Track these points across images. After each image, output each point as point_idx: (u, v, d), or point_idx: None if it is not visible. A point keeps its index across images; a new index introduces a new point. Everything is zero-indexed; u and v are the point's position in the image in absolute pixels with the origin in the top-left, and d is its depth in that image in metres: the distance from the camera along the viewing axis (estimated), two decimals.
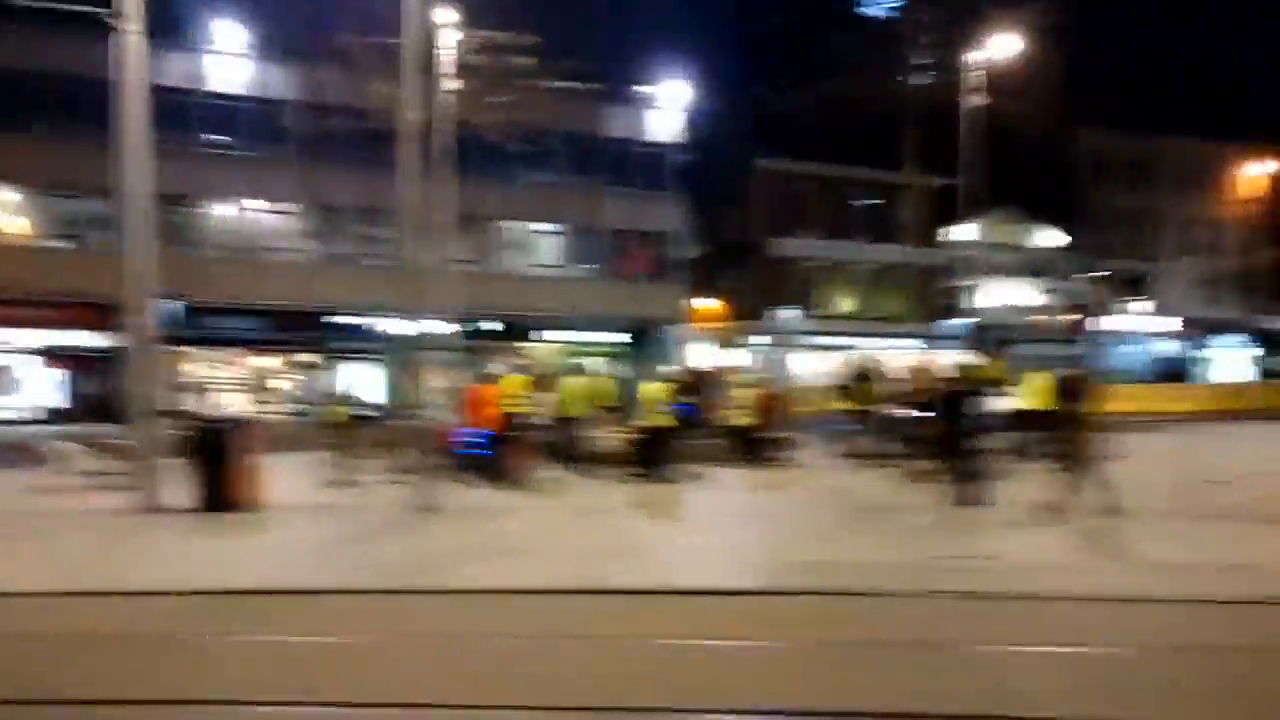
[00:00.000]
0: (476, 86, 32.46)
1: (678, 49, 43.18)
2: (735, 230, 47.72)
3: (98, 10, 15.35)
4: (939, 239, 47.27)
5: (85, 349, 33.98)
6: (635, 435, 17.37)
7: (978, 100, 31.74)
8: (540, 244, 41.31)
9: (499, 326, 39.14)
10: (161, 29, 34.92)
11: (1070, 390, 19.61)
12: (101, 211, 34.75)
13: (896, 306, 47.39)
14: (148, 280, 15.74)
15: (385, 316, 37.41)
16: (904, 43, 43.33)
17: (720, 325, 49.31)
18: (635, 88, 42.61)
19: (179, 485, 14.11)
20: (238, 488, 14.31)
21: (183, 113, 35.00)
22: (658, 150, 41.76)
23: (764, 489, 16.63)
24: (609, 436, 17.96)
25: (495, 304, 38.63)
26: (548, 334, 40.05)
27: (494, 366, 19.11)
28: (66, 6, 16.24)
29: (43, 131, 33.21)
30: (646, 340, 41.64)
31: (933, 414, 15.12)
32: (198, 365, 36.24)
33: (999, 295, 48.16)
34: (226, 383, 35.76)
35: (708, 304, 49.78)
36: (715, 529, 12.58)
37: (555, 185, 39.65)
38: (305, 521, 13.41)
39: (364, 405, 18.74)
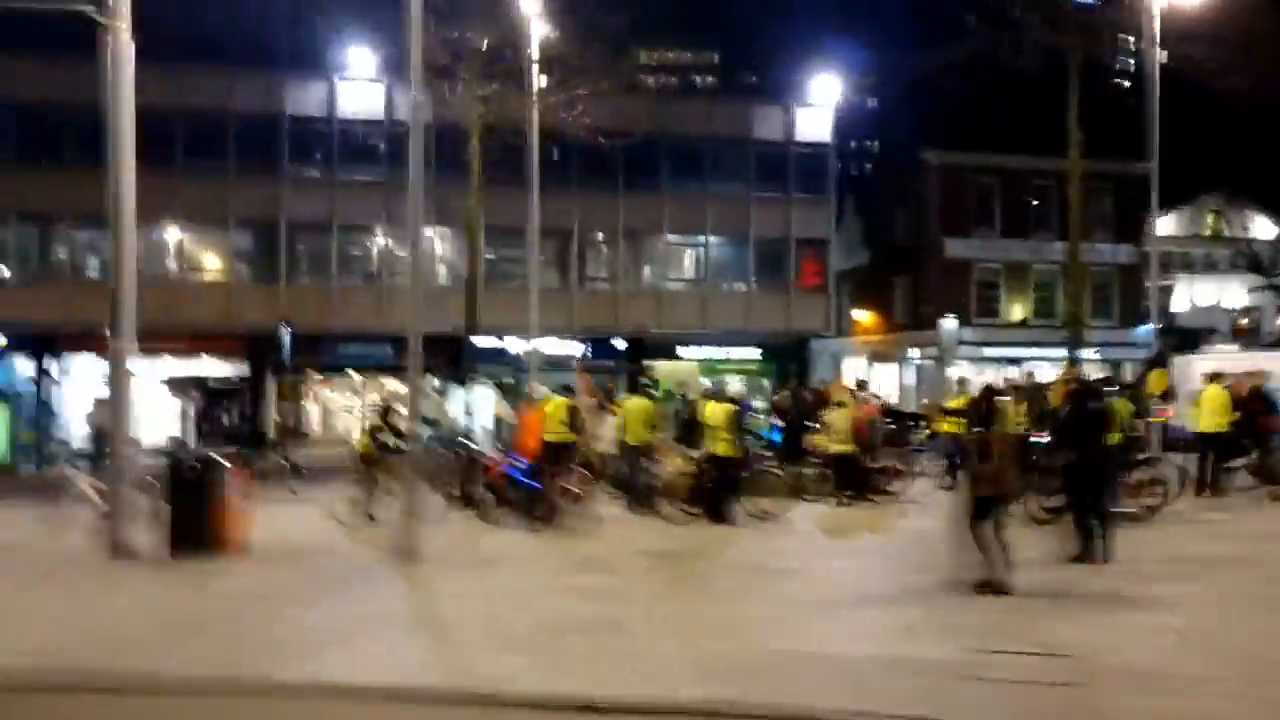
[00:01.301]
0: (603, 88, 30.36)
1: (831, 41, 40.02)
2: (902, 232, 43.78)
3: (84, 6, 13.94)
4: (1141, 233, 41.78)
5: (208, 379, 33.83)
6: (695, 467, 14.65)
7: (1163, 59, 26.48)
8: (681, 256, 38.78)
9: (623, 345, 36.71)
10: (292, 60, 35.09)
11: (1252, 406, 15.76)
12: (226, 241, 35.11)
13: (1081, 312, 42.12)
14: (131, 302, 14.12)
15: (517, 337, 35.99)
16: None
17: (877, 338, 45.46)
18: (787, 85, 39.72)
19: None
20: (216, 529, 12.48)
21: (313, 140, 34.72)
22: (812, 150, 38.41)
23: (837, 533, 13.52)
24: (672, 468, 15.25)
25: (629, 321, 36.40)
26: (683, 350, 37.40)
27: (538, 389, 16.62)
28: (55, 5, 14.85)
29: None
30: (793, 356, 38.38)
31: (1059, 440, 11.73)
32: (328, 392, 35.76)
33: (1202, 295, 42.29)
34: (350, 409, 35.00)
35: (867, 315, 46.06)
36: (716, 602, 9.65)
37: (699, 193, 36.98)
38: (258, 572, 11.34)
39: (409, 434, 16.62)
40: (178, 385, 34.35)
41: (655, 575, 10.77)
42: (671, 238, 37.68)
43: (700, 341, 37.56)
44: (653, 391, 19.95)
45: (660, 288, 37.44)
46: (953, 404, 17.59)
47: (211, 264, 35.31)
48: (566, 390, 15.33)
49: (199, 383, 34.27)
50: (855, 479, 16.03)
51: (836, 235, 50.03)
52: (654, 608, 8.98)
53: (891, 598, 9.11)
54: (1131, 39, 30.25)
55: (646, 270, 38.25)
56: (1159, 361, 19.57)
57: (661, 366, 37.41)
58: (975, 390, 16.88)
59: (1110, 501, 12.54)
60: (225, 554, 12.12)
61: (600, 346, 36.50)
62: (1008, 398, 15.99)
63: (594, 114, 35.92)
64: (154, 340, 32.69)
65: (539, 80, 23.54)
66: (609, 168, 36.26)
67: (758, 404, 25.54)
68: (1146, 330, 30.09)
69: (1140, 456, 14.09)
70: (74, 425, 30.98)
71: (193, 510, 12.48)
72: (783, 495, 14.96)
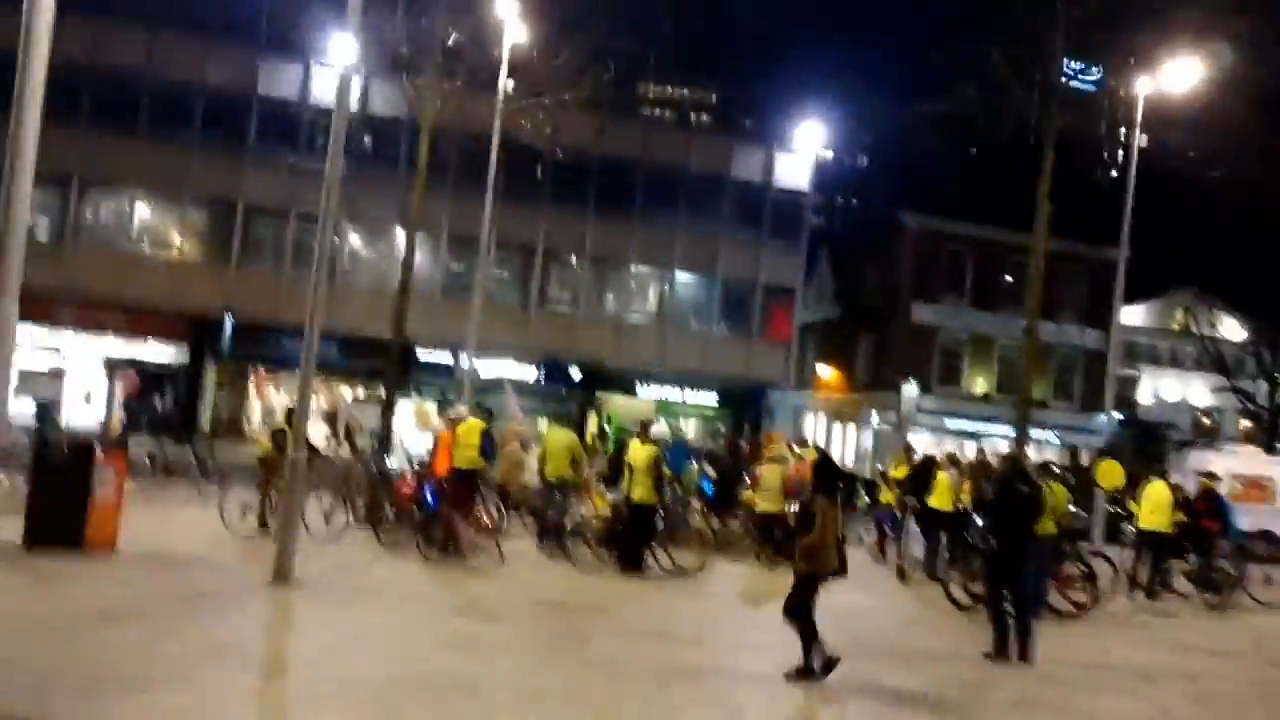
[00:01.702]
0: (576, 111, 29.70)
1: (821, 90, 39.66)
2: (872, 291, 43.29)
3: None
4: (1110, 321, 41.49)
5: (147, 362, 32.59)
6: (610, 510, 13.80)
7: (1144, 143, 26.17)
8: (645, 287, 38.04)
9: (578, 375, 35.86)
10: (270, 40, 34.18)
11: (1199, 507, 15.11)
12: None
13: (1042, 392, 41.73)
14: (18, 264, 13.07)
15: (468, 354, 35.03)
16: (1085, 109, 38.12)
17: (835, 396, 44.87)
18: (771, 128, 39.27)
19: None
20: (79, 523, 11.46)
21: (283, 124, 33.80)
22: (789, 197, 37.82)
23: (747, 598, 12.67)
24: (590, 508, 14.37)
25: (586, 349, 35.57)
26: (641, 388, 36.60)
27: (458, 408, 15.70)
28: None
29: None
30: (750, 404, 37.63)
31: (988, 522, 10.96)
32: (271, 388, 34.65)
33: (1167, 389, 42.06)
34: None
35: (830, 370, 45.49)
36: (591, 668, 8.76)
37: (670, 225, 36.29)
38: (116, 579, 10.32)
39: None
40: (113, 366, 33.18)
41: (537, 629, 9.85)
42: (637, 268, 36.94)
43: (658, 380, 36.76)
44: (605, 426, 19.27)
45: (621, 318, 36.64)
46: (895, 472, 16.84)
47: (163, 240, 34.16)
48: (483, 412, 14.41)
49: (134, 365, 33.06)
50: (780, 540, 15.20)
51: (806, 286, 49.69)
52: (521, 671, 8.07)
53: (780, 684, 8.25)
54: (1120, 130, 30.02)
55: (608, 298, 37.47)
56: (1111, 452, 18.92)
57: (618, 402, 36.68)
58: (925, 460, 16.21)
59: (1033, 594, 11.83)
60: (87, 552, 11.14)
61: (554, 372, 35.68)
62: (949, 472, 15.35)
63: (570, 132, 35.39)
64: (94, 310, 31.94)
65: (506, 84, 22.68)
66: (581, 189, 35.64)
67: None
68: (1107, 419, 29.61)
69: (1072, 549, 13.34)
70: None
71: (55, 499, 11.46)
72: (703, 550, 14.10)
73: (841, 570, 8.60)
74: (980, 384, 40.33)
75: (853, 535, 18.18)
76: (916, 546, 15.35)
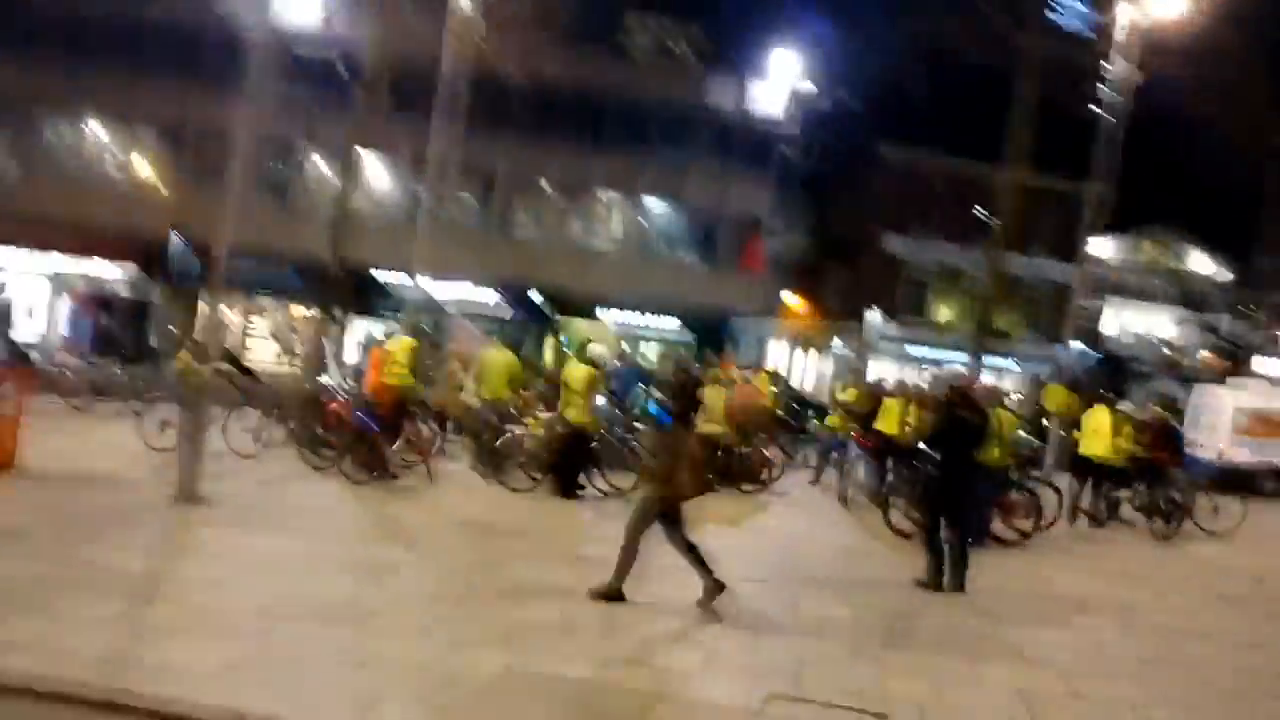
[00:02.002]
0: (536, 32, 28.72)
1: (799, 18, 38.52)
2: (845, 222, 42.69)
3: None
4: (1080, 254, 41.13)
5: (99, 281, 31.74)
6: (546, 432, 13.34)
7: (1124, 73, 25.39)
8: (610, 215, 37.29)
9: (539, 299, 35.28)
10: None
11: (1148, 439, 14.80)
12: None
13: (1009, 324, 41.46)
14: None
15: (426, 278, 34.30)
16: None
17: (803, 324, 44.49)
18: (744, 56, 38.17)
19: None
20: None
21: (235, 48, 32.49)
22: (760, 127, 36.90)
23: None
24: (526, 430, 13.88)
25: (550, 276, 34.90)
26: (602, 312, 36.03)
27: (390, 326, 15.07)
28: None
29: None
30: (715, 332, 37.14)
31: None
32: (225, 312, 33.77)
33: (1135, 324, 41.81)
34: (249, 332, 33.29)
35: (798, 300, 45.03)
36: (496, 600, 8.35)
37: (637, 153, 35.41)
38: (8, 500, 9.80)
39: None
40: (60, 284, 32.37)
41: (454, 555, 9.41)
42: (603, 195, 36.13)
43: (620, 305, 36.19)
44: (564, 350, 18.76)
45: (586, 245, 35.90)
46: (841, 395, 16.40)
47: (114, 162, 33.11)
48: (419, 332, 13.83)
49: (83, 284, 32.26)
50: (722, 465, 14.81)
51: (778, 216, 49.02)
52: (420, 599, 7.63)
53: (699, 614, 7.84)
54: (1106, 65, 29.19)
55: (574, 225, 36.73)
56: (1062, 379, 18.51)
57: (580, 326, 36.14)
58: (873, 385, 15.79)
59: (975, 523, 11.50)
60: None
61: (516, 298, 35.06)
62: (895, 397, 14.95)
63: (538, 59, 34.32)
64: (42, 229, 30.96)
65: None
66: (547, 115, 34.67)
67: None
68: (1072, 349, 29.31)
69: (1018, 477, 13.00)
70: None
71: None
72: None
73: (702, 492, 8.08)
74: (944, 313, 39.99)
75: (800, 460, 17.99)
76: (861, 472, 14.99)
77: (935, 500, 9.60)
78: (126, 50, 31.02)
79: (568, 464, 12.97)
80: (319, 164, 34.67)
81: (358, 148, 32.29)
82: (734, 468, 14.93)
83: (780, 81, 36.78)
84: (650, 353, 35.15)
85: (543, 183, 35.23)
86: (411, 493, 12.18)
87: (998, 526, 12.51)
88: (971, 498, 10.09)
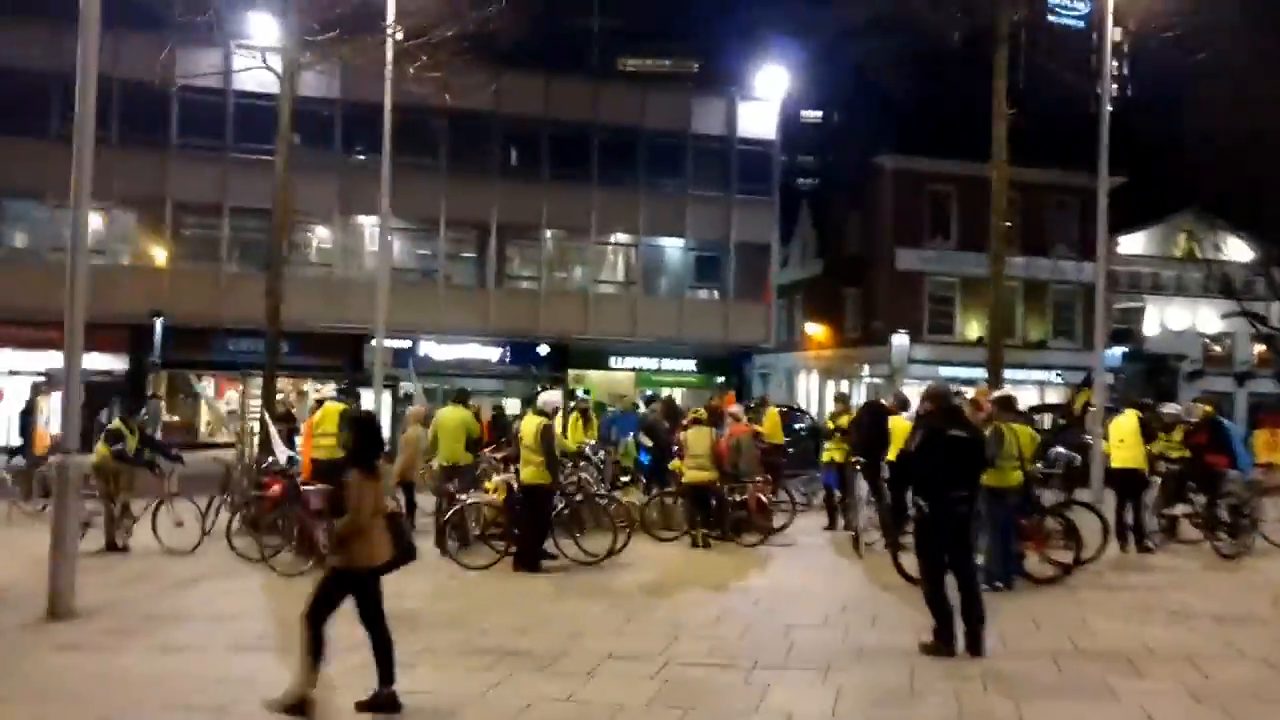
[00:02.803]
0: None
1: (780, 31, 37.20)
2: (854, 241, 41.00)
3: None
4: (1112, 251, 39.05)
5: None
6: (504, 495, 11.70)
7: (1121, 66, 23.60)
8: (610, 256, 35.88)
9: (545, 351, 33.77)
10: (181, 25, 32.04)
11: (1199, 440, 12.91)
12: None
13: (1041, 331, 39.37)
14: None
15: (427, 338, 33.00)
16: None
17: (829, 353, 42.70)
18: (729, 77, 36.92)
19: None
20: None
21: (206, 115, 31.53)
22: (756, 148, 35.47)
23: (661, 587, 10.46)
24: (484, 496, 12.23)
25: (552, 325, 33.45)
26: (614, 360, 34.47)
27: (325, 393, 13.46)
28: None
29: None
30: (731, 369, 35.49)
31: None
32: (209, 392, 32.60)
33: (1177, 320, 39.59)
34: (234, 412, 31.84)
35: (819, 328, 43.30)
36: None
37: (631, 189, 34.02)
38: None
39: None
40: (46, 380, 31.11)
41: (341, 661, 7.74)
42: (600, 236, 34.69)
43: (631, 351, 34.63)
44: (584, 400, 17.27)
45: (587, 290, 34.43)
46: (835, 423, 14.55)
47: (91, 245, 32.09)
48: (345, 394, 12.25)
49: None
50: (713, 513, 13.07)
51: (789, 244, 47.43)
52: None
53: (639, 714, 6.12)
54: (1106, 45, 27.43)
55: (571, 271, 35.35)
56: (1090, 383, 16.55)
57: (593, 377, 34.61)
58: (870, 404, 13.96)
59: (999, 560, 9.71)
60: None
61: (520, 351, 33.61)
62: (901, 415, 13.13)
63: (515, 97, 33.16)
64: (25, 328, 29.98)
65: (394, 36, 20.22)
66: (533, 156, 33.49)
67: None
68: (1114, 354, 27.29)
69: (1052, 501, 11.16)
70: None
71: None
72: (620, 530, 11.98)
73: (403, 559, 6.46)
74: (974, 328, 37.99)
75: (811, 496, 16.17)
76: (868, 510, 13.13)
77: (928, 541, 7.80)
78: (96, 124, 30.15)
79: (528, 531, 11.30)
80: (313, 230, 33.52)
81: (339, 213, 31.58)
82: (726, 517, 13.19)
83: (771, 100, 35.37)
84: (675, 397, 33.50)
85: (532, 232, 33.80)
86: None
87: (1032, 563, 10.67)
88: (977, 532, 8.31)
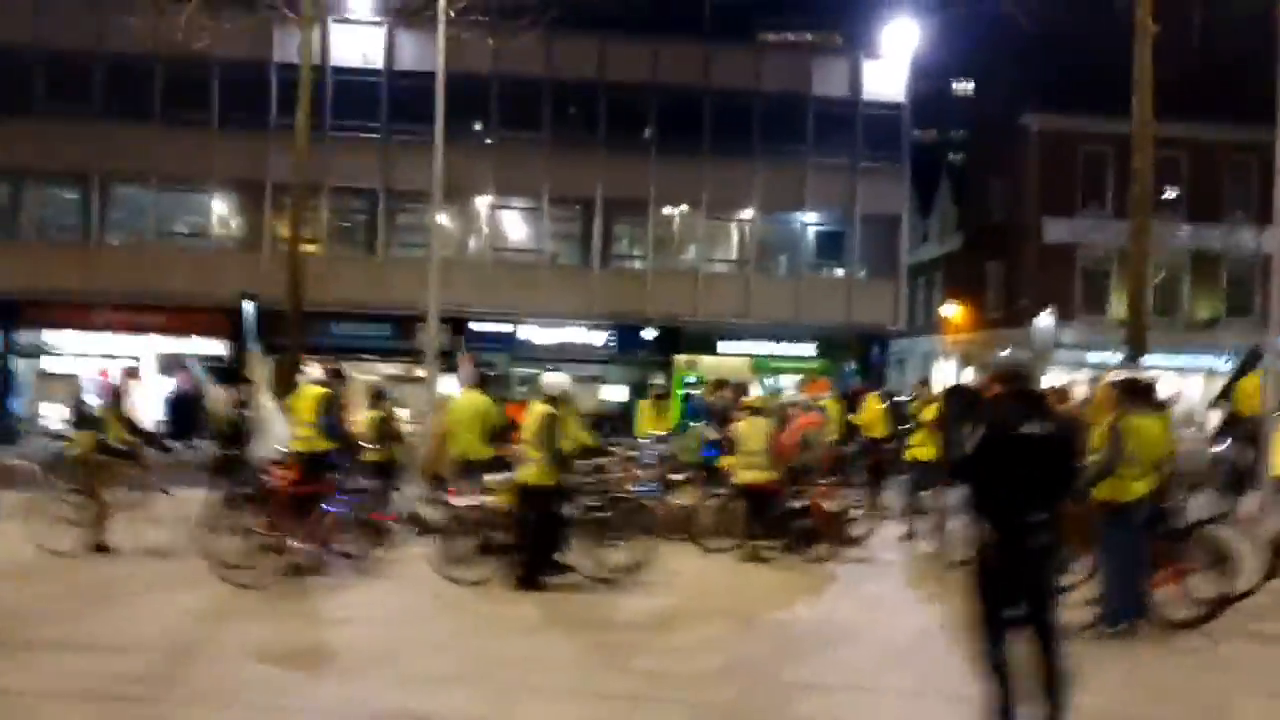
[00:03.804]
0: None
1: None
2: (997, 212, 37.54)
3: None
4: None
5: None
6: (506, 500, 9.84)
7: None
8: (722, 233, 33.62)
9: (652, 335, 31.83)
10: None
11: None
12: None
13: (1211, 309, 35.13)
14: None
15: (528, 323, 31.54)
16: None
17: (968, 336, 39.32)
18: (852, 34, 34.11)
19: None
20: None
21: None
22: (883, 111, 32.57)
23: (688, 615, 8.37)
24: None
25: (660, 307, 31.46)
26: (724, 345, 32.25)
27: (307, 370, 11.67)
28: None
29: None
30: (856, 353, 32.79)
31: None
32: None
33: None
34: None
35: (958, 309, 39.96)
36: None
37: (745, 159, 31.66)
38: None
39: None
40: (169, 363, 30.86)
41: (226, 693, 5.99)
42: (712, 211, 32.42)
43: (744, 334, 32.33)
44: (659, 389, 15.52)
45: (697, 269, 32.27)
46: (922, 414, 12.02)
47: (191, 228, 31.82)
48: (335, 376, 10.52)
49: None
50: (771, 521, 10.87)
51: (928, 218, 44.09)
52: None
53: None
54: None
55: (681, 249, 33.26)
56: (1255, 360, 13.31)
57: (705, 362, 32.57)
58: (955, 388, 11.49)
59: (1116, 597, 7.30)
60: None
61: (626, 336, 31.78)
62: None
63: (623, 62, 31.31)
64: (129, 313, 29.92)
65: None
66: (640, 127, 31.51)
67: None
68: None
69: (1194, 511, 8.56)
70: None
71: None
72: (669, 537, 10.00)
73: None
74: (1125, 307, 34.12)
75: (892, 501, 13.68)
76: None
77: (988, 582, 5.43)
78: (190, 108, 29.74)
79: (528, 541, 9.40)
80: (409, 210, 32.46)
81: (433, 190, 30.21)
82: (788, 527, 10.97)
83: (900, 58, 32.37)
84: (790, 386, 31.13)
85: (650, 204, 31.78)
86: (318, 596, 8.88)
87: (1169, 593, 8.12)
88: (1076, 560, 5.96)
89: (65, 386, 28.93)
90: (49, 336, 30.40)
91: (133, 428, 11.60)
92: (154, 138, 29.69)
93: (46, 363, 30.11)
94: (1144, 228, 15.51)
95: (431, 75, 30.41)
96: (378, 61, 30.87)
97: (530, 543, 9.38)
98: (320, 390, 10.12)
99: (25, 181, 30.69)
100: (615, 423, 22.36)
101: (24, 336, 30.39)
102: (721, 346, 32.04)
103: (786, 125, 31.89)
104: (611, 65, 31.14)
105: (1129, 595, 7.68)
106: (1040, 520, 5.19)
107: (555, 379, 9.69)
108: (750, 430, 10.86)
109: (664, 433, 14.83)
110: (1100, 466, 7.56)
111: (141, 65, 29.15)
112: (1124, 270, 34.01)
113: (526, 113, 31.03)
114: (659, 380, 19.04)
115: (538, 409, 9.43)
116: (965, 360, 39.79)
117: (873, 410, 14.76)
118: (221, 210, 31.86)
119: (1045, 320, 32.60)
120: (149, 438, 11.93)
